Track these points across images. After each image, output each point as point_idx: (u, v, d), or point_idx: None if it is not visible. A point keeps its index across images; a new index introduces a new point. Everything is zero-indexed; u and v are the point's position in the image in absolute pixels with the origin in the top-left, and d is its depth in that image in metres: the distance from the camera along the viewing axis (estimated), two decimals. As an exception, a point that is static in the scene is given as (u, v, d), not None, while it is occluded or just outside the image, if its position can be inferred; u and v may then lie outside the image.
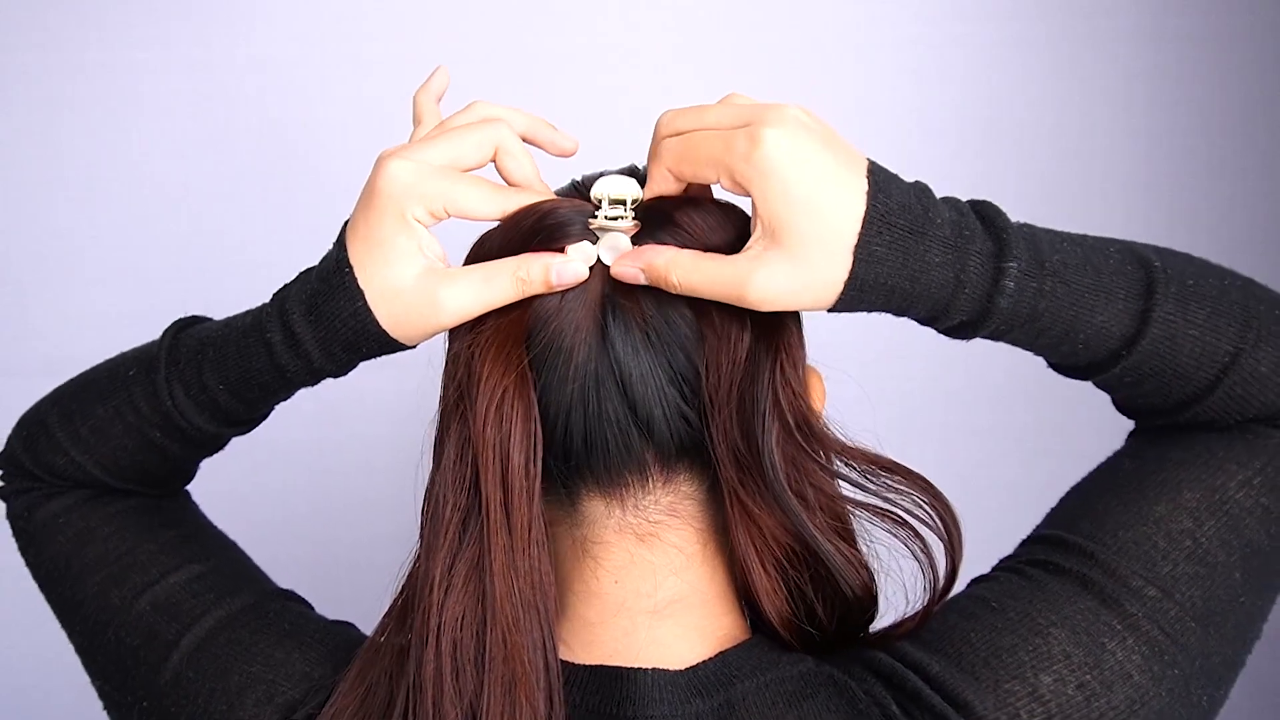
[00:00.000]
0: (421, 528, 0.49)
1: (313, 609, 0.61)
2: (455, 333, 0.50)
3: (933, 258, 0.46)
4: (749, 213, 0.48)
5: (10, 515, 0.64)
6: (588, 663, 0.51)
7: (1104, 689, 0.47)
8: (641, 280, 0.47)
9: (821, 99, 1.15)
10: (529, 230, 0.49)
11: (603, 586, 0.51)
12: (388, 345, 0.50)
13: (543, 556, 0.48)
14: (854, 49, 1.16)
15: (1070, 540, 0.51)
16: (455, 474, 0.48)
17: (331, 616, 0.60)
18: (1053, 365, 0.54)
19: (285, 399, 0.58)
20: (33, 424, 0.62)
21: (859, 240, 0.45)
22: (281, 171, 1.14)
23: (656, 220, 0.49)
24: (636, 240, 0.49)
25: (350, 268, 0.49)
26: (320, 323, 0.50)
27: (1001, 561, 0.54)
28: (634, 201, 0.49)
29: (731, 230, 0.50)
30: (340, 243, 0.50)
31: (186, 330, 0.59)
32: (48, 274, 1.15)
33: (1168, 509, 0.50)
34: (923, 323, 0.50)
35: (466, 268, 0.49)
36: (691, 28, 1.16)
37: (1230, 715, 0.61)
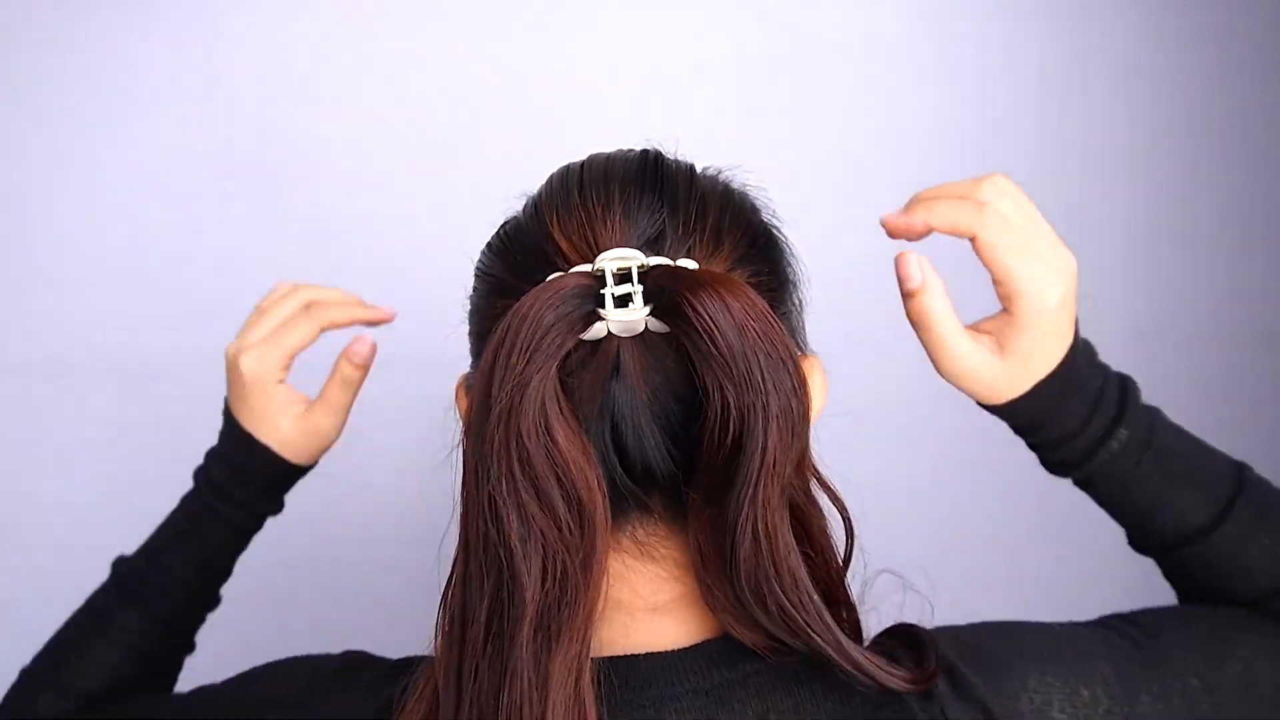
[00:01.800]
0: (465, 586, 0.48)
1: (307, 662, 0.61)
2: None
3: (1074, 409, 0.57)
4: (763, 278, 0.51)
5: None
6: (594, 655, 0.51)
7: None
8: (910, 281, 0.54)
9: (822, 98, 1.15)
10: (551, 312, 0.47)
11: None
12: (300, 472, 0.72)
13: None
14: (855, 49, 1.16)
15: (1139, 619, 0.58)
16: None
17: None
18: (1131, 542, 0.63)
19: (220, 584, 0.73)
20: (13, 702, 0.69)
21: (1041, 380, 0.56)
22: (281, 172, 1.14)
23: (671, 305, 0.47)
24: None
25: (251, 437, 0.69)
26: (249, 480, 0.70)
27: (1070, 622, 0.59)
28: (640, 269, 0.47)
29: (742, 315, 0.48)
30: (231, 426, 0.70)
31: (117, 566, 0.72)
32: (48, 274, 1.15)
33: (1229, 635, 0.57)
34: (1031, 447, 0.60)
35: (306, 401, 0.70)
36: (692, 27, 1.16)
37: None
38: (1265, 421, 1.15)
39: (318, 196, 1.13)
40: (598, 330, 0.46)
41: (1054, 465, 0.60)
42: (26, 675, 0.70)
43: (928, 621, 0.54)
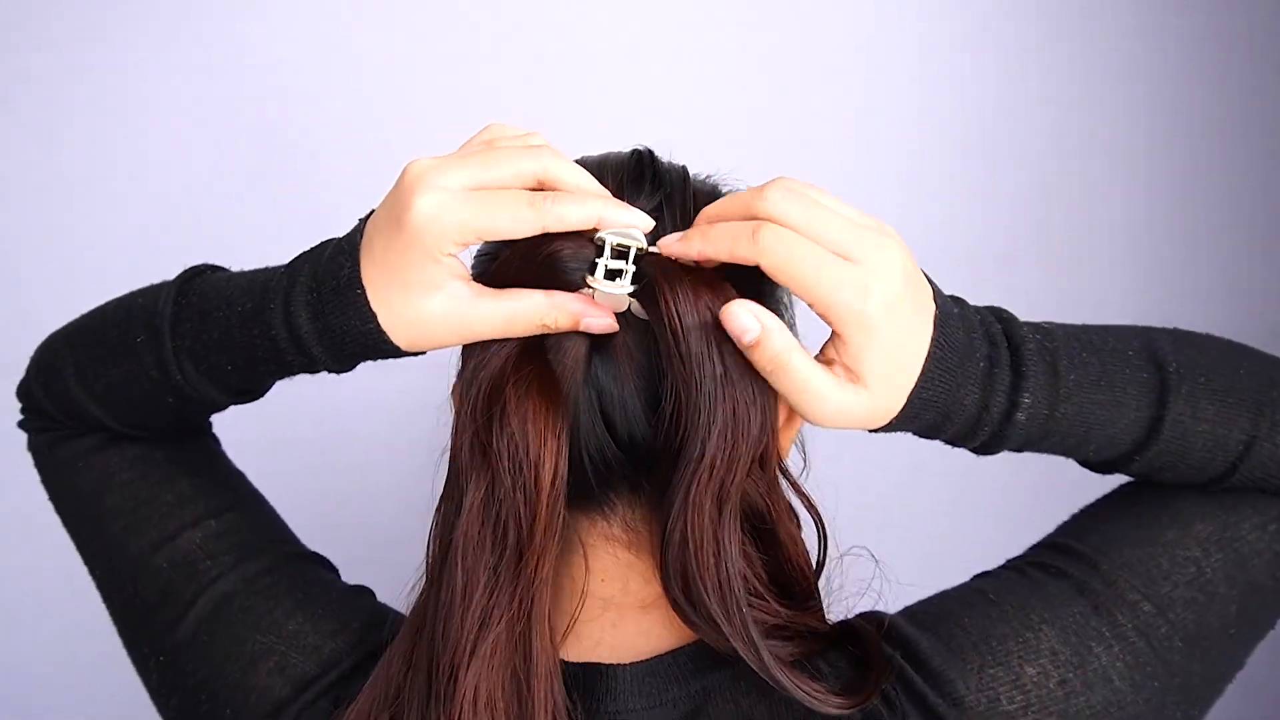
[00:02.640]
0: (446, 550, 0.49)
1: (335, 573, 0.61)
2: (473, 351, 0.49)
3: (966, 395, 0.48)
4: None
5: (32, 448, 0.64)
6: (578, 660, 0.52)
7: (1084, 688, 0.49)
8: (746, 335, 0.45)
9: (823, 98, 1.15)
10: (537, 268, 0.48)
11: (590, 586, 0.53)
12: (397, 355, 0.50)
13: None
14: (855, 48, 1.16)
15: (1077, 549, 0.53)
16: (491, 503, 0.48)
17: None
18: (1081, 463, 0.56)
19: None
20: (49, 370, 0.61)
21: (915, 387, 0.47)
22: (281, 172, 1.14)
23: (652, 297, 0.47)
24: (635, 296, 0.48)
25: (362, 289, 0.47)
26: (327, 332, 0.49)
27: (1007, 561, 0.56)
28: (637, 251, 0.47)
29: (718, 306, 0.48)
30: (354, 256, 0.48)
31: (189, 290, 0.57)
32: (48, 274, 1.15)
33: (1178, 535, 0.52)
34: (948, 443, 0.52)
35: (491, 295, 0.47)
36: (693, 27, 1.16)
37: (1229, 715, 0.61)
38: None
39: (318, 197, 1.13)
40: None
41: (978, 451, 0.52)
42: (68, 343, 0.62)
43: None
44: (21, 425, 0.65)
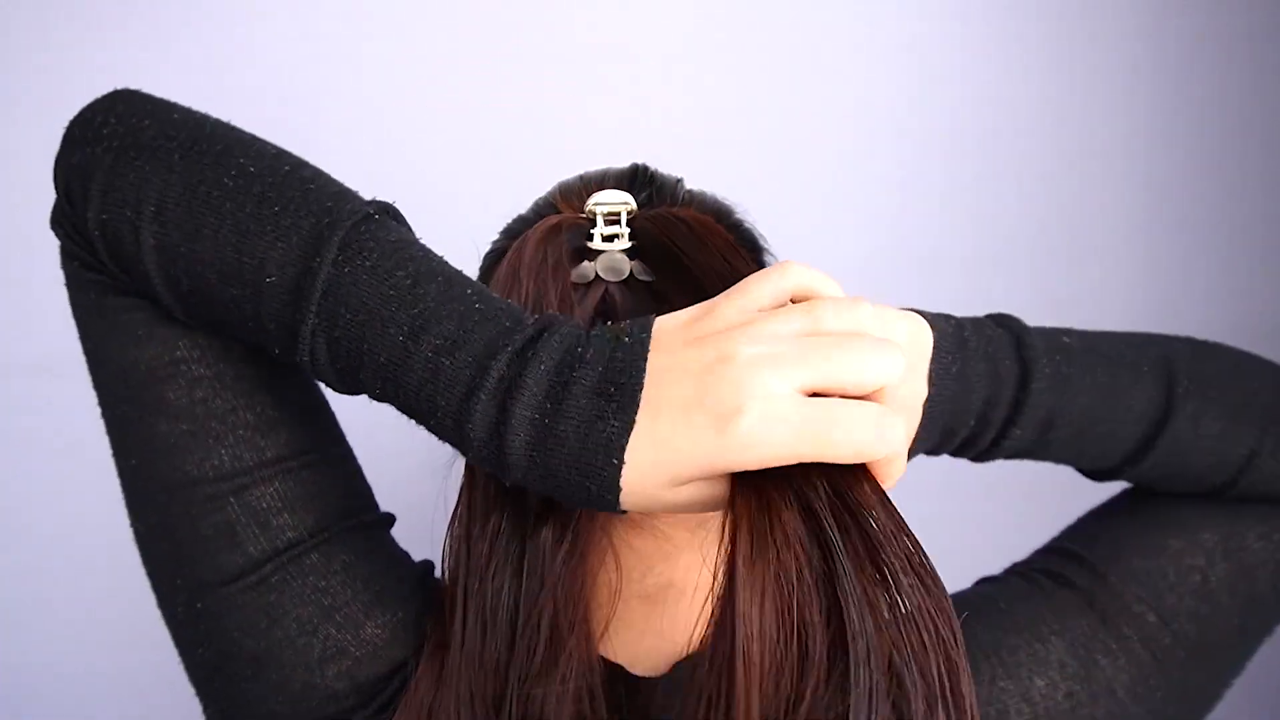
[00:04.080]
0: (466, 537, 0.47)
1: (394, 542, 0.54)
2: None
3: (962, 423, 0.48)
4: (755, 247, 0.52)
5: (69, 274, 0.50)
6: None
7: (1089, 700, 0.49)
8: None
9: (821, 98, 1.15)
10: (533, 250, 0.50)
11: (595, 567, 0.52)
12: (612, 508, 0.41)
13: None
14: (853, 48, 1.16)
15: (1084, 558, 0.53)
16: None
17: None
18: (1077, 469, 0.56)
19: None
20: (122, 225, 0.44)
21: (916, 436, 0.46)
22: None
23: (659, 255, 0.50)
24: (633, 255, 0.50)
25: (619, 460, 0.38)
26: (544, 445, 0.39)
27: (1013, 566, 0.57)
28: (629, 213, 0.50)
29: (731, 274, 0.50)
30: (633, 387, 0.38)
31: (361, 254, 0.41)
32: (48, 274, 1.15)
33: (1183, 544, 0.53)
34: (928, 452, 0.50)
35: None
36: (690, 27, 1.16)
37: (1230, 715, 0.61)
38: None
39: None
40: (585, 271, 0.49)
41: (974, 459, 0.52)
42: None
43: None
44: (56, 229, 0.50)
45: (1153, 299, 1.18)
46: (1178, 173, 1.18)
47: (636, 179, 0.54)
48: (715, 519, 0.53)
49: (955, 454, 0.51)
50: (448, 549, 0.48)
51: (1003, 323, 0.50)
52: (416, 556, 0.54)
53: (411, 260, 0.42)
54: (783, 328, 0.39)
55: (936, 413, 0.46)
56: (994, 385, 0.48)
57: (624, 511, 0.40)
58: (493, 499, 0.47)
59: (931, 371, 0.45)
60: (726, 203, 0.56)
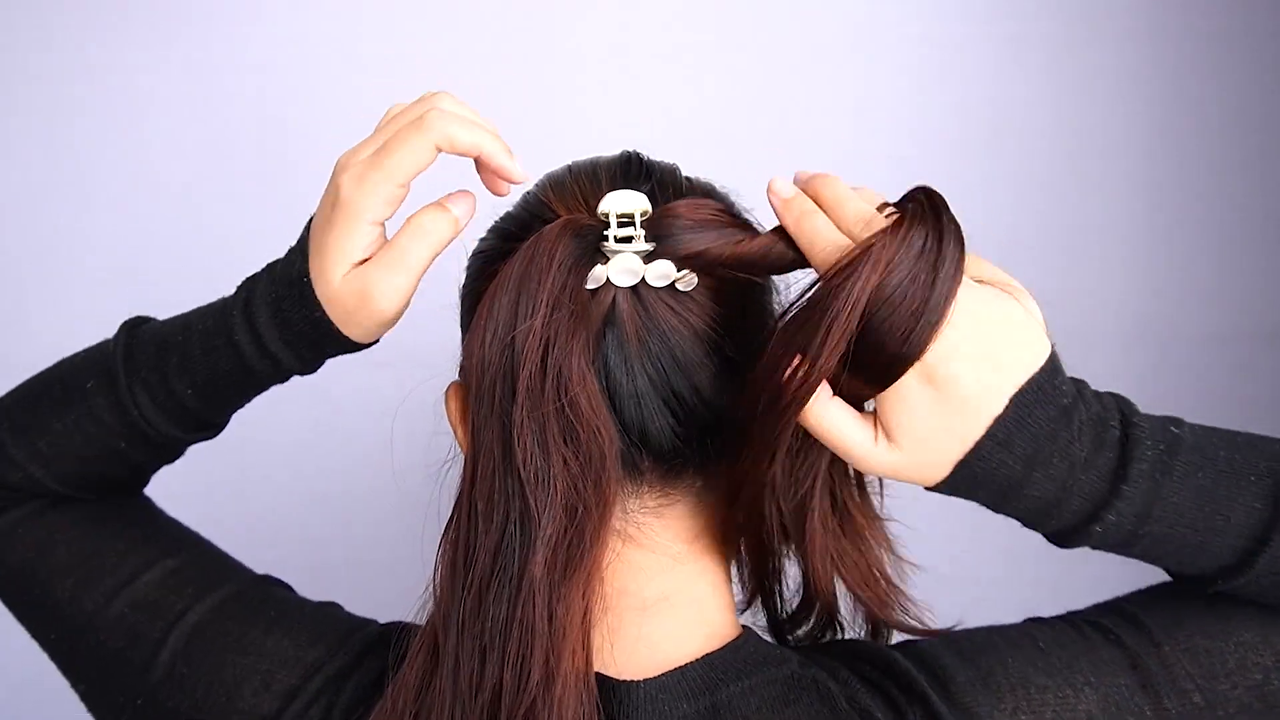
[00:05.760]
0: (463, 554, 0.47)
1: (293, 591, 0.61)
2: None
3: (1038, 487, 0.46)
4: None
5: None
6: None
7: None
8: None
9: (821, 99, 1.15)
10: (563, 248, 0.48)
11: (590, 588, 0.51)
12: (349, 346, 0.53)
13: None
14: (853, 49, 1.16)
15: (1144, 622, 0.51)
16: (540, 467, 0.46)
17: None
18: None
19: (252, 399, 0.59)
20: None
21: (965, 457, 0.45)
22: (281, 172, 1.14)
23: (670, 239, 0.48)
24: (650, 259, 0.48)
25: (308, 277, 0.51)
26: (286, 327, 0.53)
27: (1068, 613, 0.54)
28: (643, 215, 0.48)
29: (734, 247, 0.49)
30: (303, 252, 0.52)
31: (138, 331, 0.59)
32: (48, 274, 1.15)
33: (1254, 639, 0.49)
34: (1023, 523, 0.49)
35: (375, 257, 0.50)
36: (689, 27, 1.16)
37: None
38: (1265, 421, 1.15)
39: (317, 197, 1.13)
40: (597, 275, 0.47)
41: (1054, 541, 0.49)
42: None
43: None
44: None
45: (1152, 299, 1.18)
46: (1177, 173, 1.18)
47: (631, 169, 0.52)
48: (713, 528, 0.53)
49: (1034, 525, 0.49)
50: (438, 563, 0.48)
51: (1114, 399, 0.48)
52: (406, 574, 0.54)
53: (176, 316, 0.60)
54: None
55: (1010, 445, 0.45)
56: (1096, 447, 0.46)
57: (366, 344, 0.52)
58: (491, 517, 0.46)
59: (1025, 394, 0.45)
60: (725, 191, 0.55)
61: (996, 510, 0.48)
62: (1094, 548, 0.49)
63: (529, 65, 1.14)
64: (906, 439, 0.45)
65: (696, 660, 0.50)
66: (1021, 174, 1.17)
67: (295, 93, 1.14)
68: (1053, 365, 0.46)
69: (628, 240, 0.47)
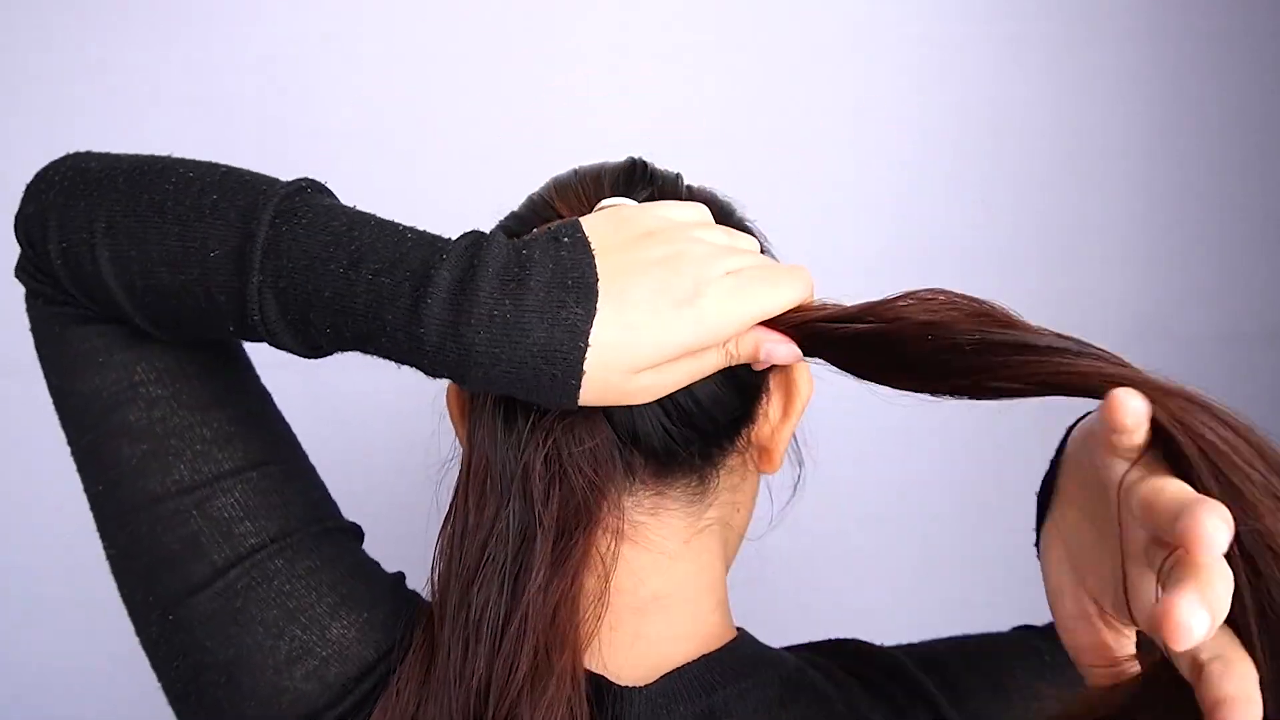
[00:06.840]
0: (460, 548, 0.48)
1: (362, 547, 0.56)
2: None
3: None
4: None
5: (34, 317, 0.53)
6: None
7: None
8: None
9: (821, 99, 1.15)
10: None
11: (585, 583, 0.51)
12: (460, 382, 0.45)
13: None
14: (853, 49, 1.16)
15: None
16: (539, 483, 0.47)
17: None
18: None
19: None
20: (79, 247, 0.48)
21: None
22: (281, 172, 1.13)
23: None
24: None
25: (585, 344, 0.42)
26: (506, 331, 0.42)
27: None
28: None
29: None
30: (588, 279, 0.42)
31: (297, 213, 0.46)
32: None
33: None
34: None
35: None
36: (689, 27, 1.16)
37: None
38: (1265, 421, 1.15)
39: (318, 196, 1.13)
40: None
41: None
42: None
43: (925, 625, 0.54)
44: (20, 275, 0.52)
45: (1152, 299, 1.18)
46: (1177, 173, 1.18)
47: (635, 175, 0.53)
48: (712, 527, 0.53)
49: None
50: (436, 557, 0.49)
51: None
52: (409, 566, 0.54)
53: (345, 214, 0.45)
54: (709, 235, 0.46)
55: None
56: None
57: (578, 410, 0.45)
58: (484, 508, 0.47)
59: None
60: (727, 200, 0.56)
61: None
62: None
63: (529, 65, 1.14)
64: None
65: (694, 662, 0.51)
66: (1021, 174, 1.17)
67: (295, 93, 1.14)
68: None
69: None
